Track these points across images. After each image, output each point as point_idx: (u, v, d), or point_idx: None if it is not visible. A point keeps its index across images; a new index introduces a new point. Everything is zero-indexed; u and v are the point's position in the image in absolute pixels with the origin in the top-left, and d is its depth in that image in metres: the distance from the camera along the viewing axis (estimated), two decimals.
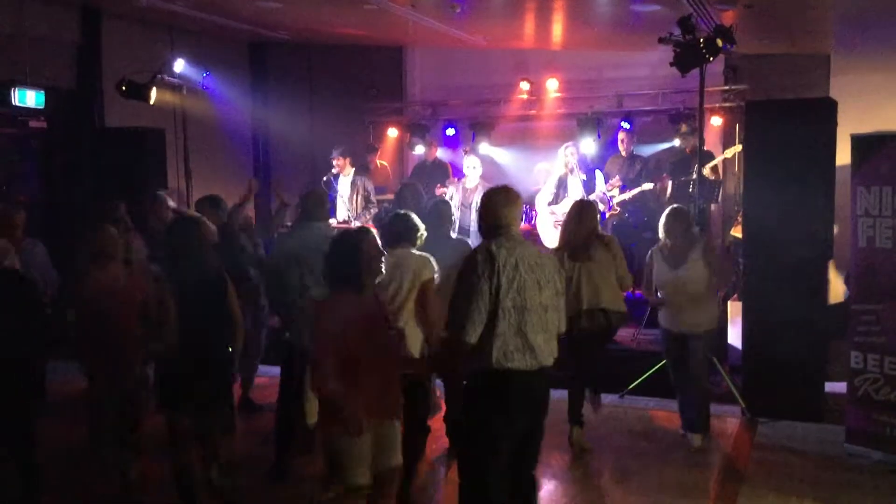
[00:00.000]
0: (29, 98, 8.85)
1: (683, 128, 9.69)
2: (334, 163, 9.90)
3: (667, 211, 6.21)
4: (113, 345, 4.95)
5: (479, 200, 4.41)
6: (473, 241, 7.48)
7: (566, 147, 9.37)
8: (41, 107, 9.09)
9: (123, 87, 9.14)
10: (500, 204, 3.99)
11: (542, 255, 4.07)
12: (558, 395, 6.97)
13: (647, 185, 9.54)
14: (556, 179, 9.41)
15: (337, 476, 4.01)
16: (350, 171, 9.95)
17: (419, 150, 11.16)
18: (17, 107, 8.85)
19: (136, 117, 9.75)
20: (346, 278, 4.01)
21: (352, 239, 4.10)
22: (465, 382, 4.00)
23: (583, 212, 6.05)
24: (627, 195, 9.50)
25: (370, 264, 4.05)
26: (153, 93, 9.21)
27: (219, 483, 5.03)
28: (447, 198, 9.44)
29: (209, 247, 5.00)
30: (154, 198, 7.56)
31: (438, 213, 5.95)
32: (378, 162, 11.25)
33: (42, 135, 9.93)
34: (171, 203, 7.74)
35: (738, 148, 9.41)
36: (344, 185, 9.87)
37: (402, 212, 5.22)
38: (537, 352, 3.85)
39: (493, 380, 3.81)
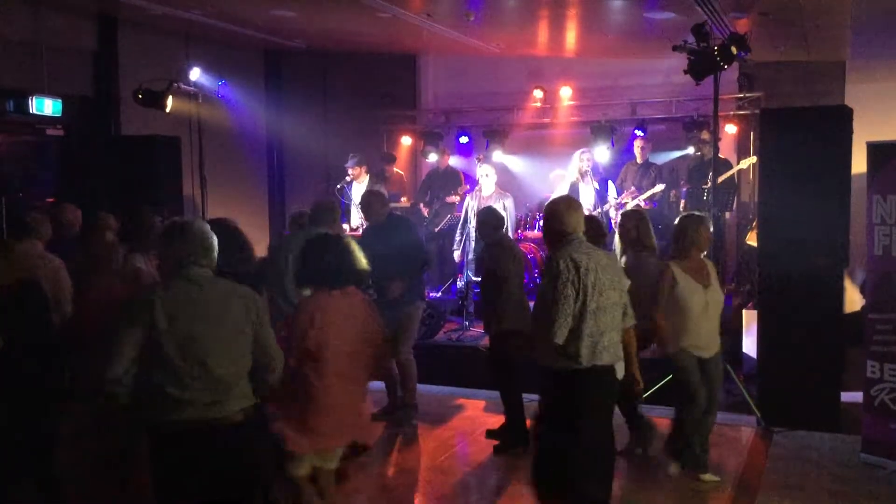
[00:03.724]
0: (46, 106, 8.93)
1: (705, 135, 9.67)
2: (350, 171, 9.93)
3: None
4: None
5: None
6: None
7: (582, 153, 9.37)
8: (58, 115, 9.18)
9: (140, 95, 9.22)
10: (567, 212, 4.24)
11: (609, 256, 4.36)
12: None
13: (659, 187, 9.52)
14: (567, 186, 9.40)
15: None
16: (365, 178, 9.97)
17: (432, 157, 11.19)
18: (34, 115, 8.94)
19: (152, 125, 9.81)
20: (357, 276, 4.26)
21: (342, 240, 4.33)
22: (550, 380, 4.23)
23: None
24: (640, 199, 9.49)
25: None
26: (169, 101, 9.28)
27: None
28: (463, 206, 9.50)
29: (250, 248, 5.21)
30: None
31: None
32: (395, 170, 11.29)
33: (59, 142, 10.01)
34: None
35: (753, 159, 9.40)
36: (358, 193, 9.88)
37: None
38: (613, 349, 4.19)
39: (584, 377, 4.09)
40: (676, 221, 5.56)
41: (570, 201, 4.35)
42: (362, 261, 4.33)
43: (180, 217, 3.89)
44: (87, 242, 5.91)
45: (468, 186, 10.51)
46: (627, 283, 4.34)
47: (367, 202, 6.98)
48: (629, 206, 9.41)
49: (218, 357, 3.47)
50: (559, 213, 4.22)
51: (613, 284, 4.16)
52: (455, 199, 10.49)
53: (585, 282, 4.02)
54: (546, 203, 4.39)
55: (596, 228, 5.46)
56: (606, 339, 4.13)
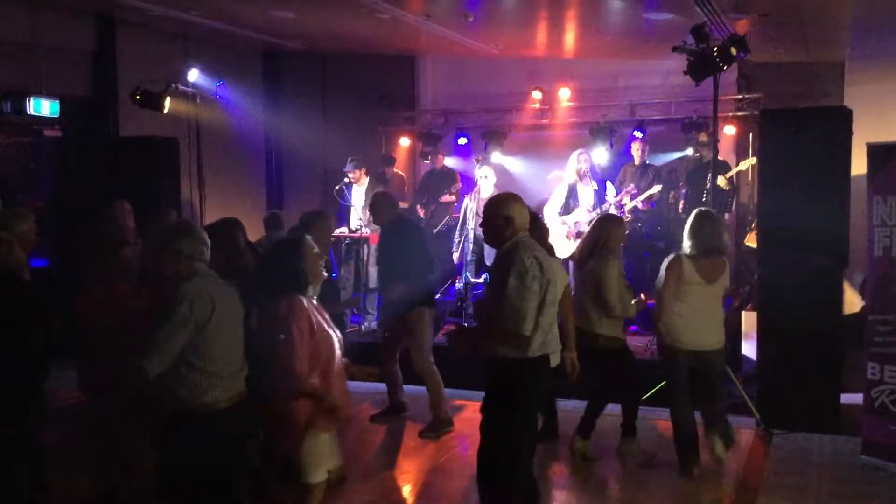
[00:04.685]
0: (44, 107, 8.89)
1: (703, 137, 9.65)
2: (350, 174, 9.86)
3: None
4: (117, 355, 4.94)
5: None
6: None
7: (579, 154, 9.26)
8: (56, 115, 9.13)
9: (138, 97, 9.20)
10: (522, 210, 4.37)
11: (550, 257, 4.55)
12: (575, 405, 6.99)
13: (656, 188, 9.48)
14: (565, 188, 9.31)
15: (301, 474, 4.17)
16: (365, 181, 9.93)
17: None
18: (32, 116, 8.89)
19: (150, 126, 9.80)
20: (294, 281, 4.16)
21: (293, 243, 4.30)
22: (497, 369, 4.30)
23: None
24: (637, 201, 9.45)
25: (314, 267, 4.25)
26: (167, 102, 9.26)
27: None
28: (462, 207, 9.48)
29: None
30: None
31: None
32: (395, 172, 11.27)
33: (57, 143, 9.99)
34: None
35: (753, 161, 9.38)
36: (358, 196, 9.85)
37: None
38: (556, 340, 4.42)
39: (533, 365, 4.23)
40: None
41: (520, 199, 4.46)
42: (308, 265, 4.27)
43: (178, 217, 3.98)
44: (107, 252, 5.96)
45: (461, 185, 10.52)
46: (567, 279, 4.53)
47: (374, 203, 6.90)
48: (628, 207, 9.40)
49: (240, 341, 3.92)
50: (517, 210, 4.33)
51: (556, 283, 4.35)
52: (450, 198, 10.47)
53: (546, 277, 4.19)
54: (497, 198, 4.48)
55: (542, 228, 5.73)
56: (552, 332, 4.33)
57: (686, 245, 5.61)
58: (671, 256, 5.73)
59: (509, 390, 4.29)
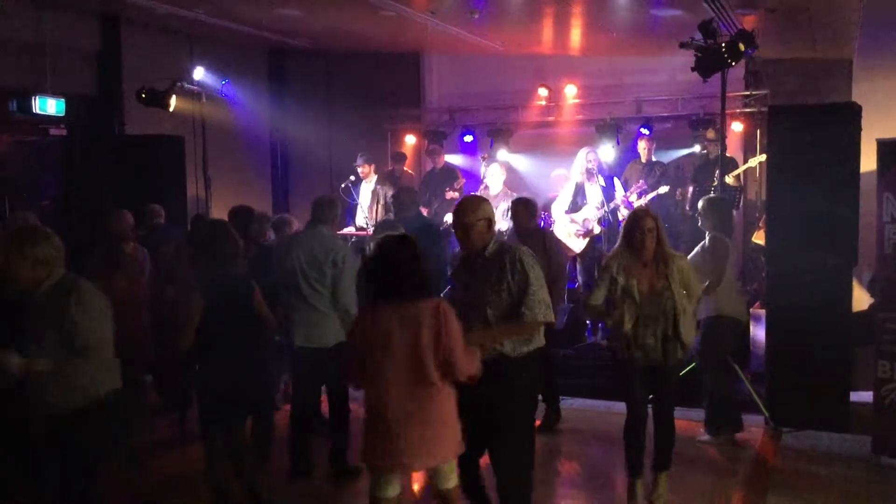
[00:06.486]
0: (49, 106, 8.90)
1: (711, 133, 9.60)
2: (359, 169, 9.82)
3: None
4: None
5: (504, 207, 4.57)
6: None
7: (587, 153, 9.18)
8: (61, 114, 9.15)
9: (143, 95, 9.19)
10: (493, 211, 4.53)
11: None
12: (581, 404, 6.95)
13: (664, 189, 9.43)
14: (573, 186, 9.25)
15: (445, 479, 4.17)
16: (373, 178, 9.90)
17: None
18: (37, 115, 8.91)
19: (155, 125, 9.79)
20: (424, 282, 3.91)
21: (411, 248, 3.95)
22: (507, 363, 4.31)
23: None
24: (644, 199, 9.38)
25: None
26: (173, 100, 9.26)
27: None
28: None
29: (240, 248, 5.13)
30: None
31: None
32: (404, 170, 11.24)
33: (62, 142, 9.98)
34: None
35: (762, 158, 9.32)
36: (365, 193, 9.82)
37: None
38: None
39: (542, 350, 4.45)
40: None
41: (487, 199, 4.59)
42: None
43: (38, 224, 4.05)
44: (109, 248, 5.95)
45: (464, 180, 10.47)
46: None
47: (397, 196, 7.02)
48: (636, 204, 9.30)
49: (111, 337, 4.00)
50: (492, 211, 4.41)
51: None
52: (454, 195, 10.42)
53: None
54: (470, 205, 4.35)
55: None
56: None
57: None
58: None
59: (526, 378, 4.34)
